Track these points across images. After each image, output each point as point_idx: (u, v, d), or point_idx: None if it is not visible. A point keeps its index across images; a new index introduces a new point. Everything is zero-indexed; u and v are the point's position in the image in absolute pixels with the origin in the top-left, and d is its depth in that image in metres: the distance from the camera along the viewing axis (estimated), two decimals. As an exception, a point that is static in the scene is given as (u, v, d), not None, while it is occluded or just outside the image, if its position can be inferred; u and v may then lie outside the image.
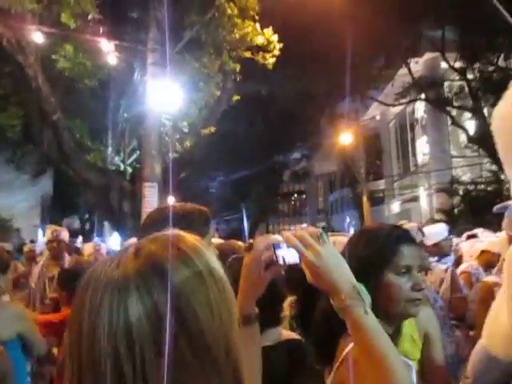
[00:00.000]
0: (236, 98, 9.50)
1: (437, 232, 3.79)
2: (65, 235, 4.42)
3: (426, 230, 3.64)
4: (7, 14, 7.41)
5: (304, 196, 34.89)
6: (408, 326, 1.78)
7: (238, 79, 9.75)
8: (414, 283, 1.29)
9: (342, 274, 0.91)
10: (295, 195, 35.51)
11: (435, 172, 18.06)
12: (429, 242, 3.64)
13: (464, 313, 3.43)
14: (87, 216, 22.67)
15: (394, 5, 13.76)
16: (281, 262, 0.95)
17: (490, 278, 2.67)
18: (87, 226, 23.03)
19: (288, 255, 0.95)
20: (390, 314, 1.29)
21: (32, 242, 13.79)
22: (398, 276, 1.28)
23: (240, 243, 6.68)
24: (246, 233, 26.84)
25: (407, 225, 3.12)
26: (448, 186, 16.35)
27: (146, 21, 8.28)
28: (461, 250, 4.57)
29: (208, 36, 8.66)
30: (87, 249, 6.35)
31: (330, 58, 14.58)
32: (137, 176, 10.95)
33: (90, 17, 7.52)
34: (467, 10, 14.19)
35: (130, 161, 13.54)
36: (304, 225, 35.40)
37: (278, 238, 1.01)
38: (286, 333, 1.75)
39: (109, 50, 8.19)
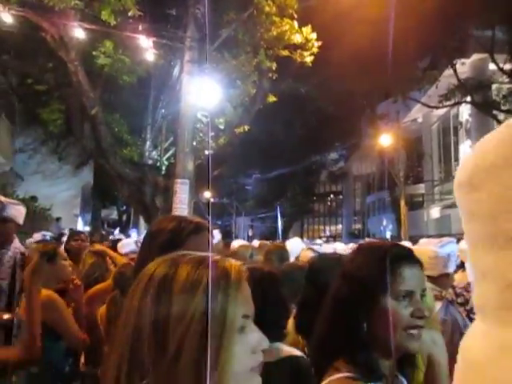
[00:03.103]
0: (272, 99, 9.40)
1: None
2: (15, 212, 2.88)
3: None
4: (51, 10, 7.63)
5: (340, 197, 34.35)
6: None
7: (275, 78, 9.66)
8: (415, 309, 1.14)
9: None
10: (331, 196, 35.01)
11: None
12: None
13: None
14: (124, 208, 23.23)
15: (442, 3, 13.25)
16: None
17: None
18: (124, 218, 23.62)
19: None
20: (387, 344, 1.15)
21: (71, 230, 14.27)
22: (397, 301, 1.14)
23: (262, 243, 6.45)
24: (280, 231, 26.77)
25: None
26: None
27: (184, 18, 8.32)
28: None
29: (245, 34, 8.62)
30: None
31: (371, 56, 14.23)
32: (172, 171, 11.09)
33: (129, 14, 7.62)
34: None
35: (166, 156, 13.74)
36: (339, 226, 34.87)
37: None
38: (287, 349, 1.69)
39: (147, 47, 8.28)
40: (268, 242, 8.91)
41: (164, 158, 13.31)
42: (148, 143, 13.96)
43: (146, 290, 0.78)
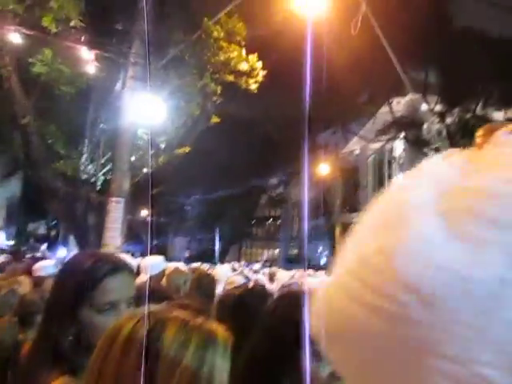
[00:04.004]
0: (215, 120, 9.40)
1: None
2: None
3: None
4: (-14, 11, 7.20)
5: (279, 222, 34.79)
6: None
7: (220, 101, 9.68)
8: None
9: None
10: (270, 220, 35.33)
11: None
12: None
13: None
14: (54, 223, 22.04)
15: (381, 45, 14.06)
16: None
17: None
18: (54, 233, 22.37)
19: None
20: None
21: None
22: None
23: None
24: (218, 254, 26.56)
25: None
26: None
27: (130, 33, 8.16)
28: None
29: (192, 56, 8.59)
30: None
31: (314, 87, 14.74)
32: (107, 187, 10.67)
33: (72, 23, 7.35)
34: (451, 57, 14.64)
35: (102, 171, 13.22)
36: (277, 250, 35.21)
37: None
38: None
39: (89, 59, 8.02)
40: (204, 266, 8.81)
41: (100, 174, 12.80)
42: (84, 157, 13.38)
43: (126, 349, 0.73)
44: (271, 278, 6.03)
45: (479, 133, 0.40)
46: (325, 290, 0.34)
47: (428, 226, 0.28)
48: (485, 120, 15.94)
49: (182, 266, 6.55)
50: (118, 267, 1.21)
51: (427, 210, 0.29)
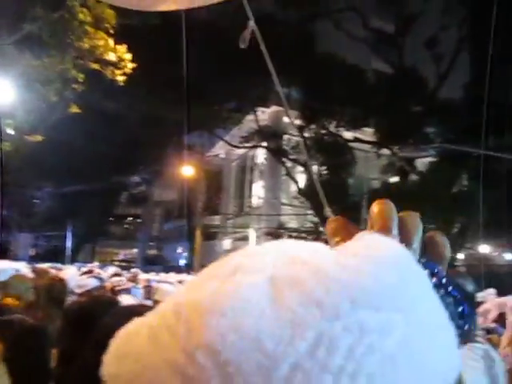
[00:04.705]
0: (75, 109, 8.69)
1: None
2: None
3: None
4: None
5: (139, 221, 33.71)
6: None
7: (82, 89, 8.99)
8: None
9: None
10: (129, 219, 34.02)
11: (266, 216, 19.25)
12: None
13: None
14: None
15: (252, 55, 14.67)
16: None
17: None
18: None
19: None
20: None
21: None
22: None
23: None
24: (70, 252, 24.70)
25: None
26: (275, 230, 17.55)
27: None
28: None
29: (53, 36, 7.84)
30: None
31: (184, 88, 14.69)
32: None
33: None
34: (312, 78, 15.92)
35: None
36: (135, 250, 34.03)
37: None
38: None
39: None
40: (48, 265, 8.03)
41: None
42: None
43: None
44: (134, 280, 5.74)
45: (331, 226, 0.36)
46: (137, 325, 0.31)
47: (254, 288, 0.26)
48: (336, 137, 17.69)
49: (23, 266, 5.88)
50: None
51: (260, 271, 0.27)
